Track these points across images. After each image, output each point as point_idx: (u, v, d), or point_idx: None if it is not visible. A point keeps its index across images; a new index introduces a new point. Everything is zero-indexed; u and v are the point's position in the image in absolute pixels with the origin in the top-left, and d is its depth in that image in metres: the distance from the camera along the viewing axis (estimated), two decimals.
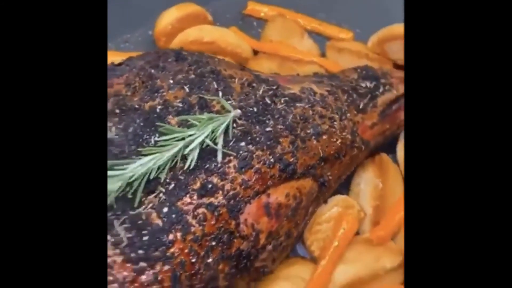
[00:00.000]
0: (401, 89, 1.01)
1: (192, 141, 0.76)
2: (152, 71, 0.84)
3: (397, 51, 1.15)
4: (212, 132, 0.77)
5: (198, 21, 1.15)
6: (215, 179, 0.76)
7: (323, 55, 1.16)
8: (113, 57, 1.05)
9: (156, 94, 0.81)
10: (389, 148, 1.07)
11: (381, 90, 0.98)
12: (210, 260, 0.75)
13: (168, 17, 1.13)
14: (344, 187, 1.02)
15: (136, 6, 1.21)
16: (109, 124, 0.78)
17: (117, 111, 0.80)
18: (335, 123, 0.89)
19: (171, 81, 0.83)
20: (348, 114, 0.93)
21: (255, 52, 1.15)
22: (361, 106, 0.95)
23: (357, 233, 0.97)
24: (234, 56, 1.10)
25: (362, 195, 1.02)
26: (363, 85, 0.97)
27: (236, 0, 1.23)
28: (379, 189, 1.01)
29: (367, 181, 1.02)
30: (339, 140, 0.89)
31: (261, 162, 0.79)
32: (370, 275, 0.92)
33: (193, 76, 0.84)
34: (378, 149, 1.04)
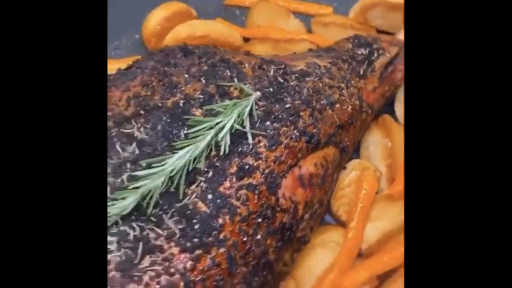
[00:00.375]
0: (392, 51, 1.07)
1: (222, 128, 0.79)
2: (165, 68, 0.86)
3: (378, 18, 1.21)
4: (238, 116, 0.80)
5: (184, 18, 1.17)
6: (250, 160, 0.79)
7: (309, 32, 1.21)
8: (110, 65, 1.06)
9: (175, 90, 0.84)
10: (387, 109, 1.13)
11: (375, 55, 1.04)
12: (259, 236, 0.78)
13: (156, 18, 1.15)
14: (354, 153, 1.07)
15: (118, 12, 1.21)
16: (136, 125, 0.80)
17: (142, 112, 0.81)
18: (343, 91, 0.94)
19: (186, 75, 0.85)
20: (352, 82, 0.98)
21: (245, 40, 1.18)
22: (361, 73, 1.00)
23: (377, 192, 1.03)
24: (227, 46, 1.13)
25: (373, 156, 1.07)
26: (359, 52, 1.02)
27: None
28: (388, 148, 1.07)
29: (375, 143, 1.08)
30: (350, 107, 0.94)
31: (288, 137, 0.82)
32: (397, 228, 0.98)
33: (206, 67, 0.87)
34: (380, 111, 1.10)
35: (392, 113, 1.13)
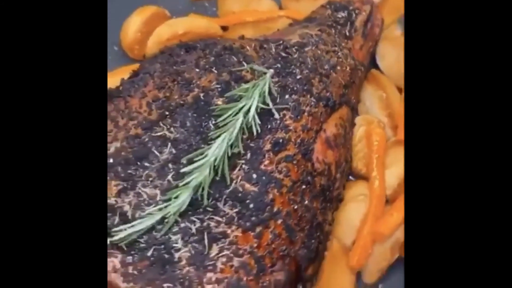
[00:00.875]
0: (367, 9, 1.13)
1: (248, 110, 0.82)
2: (174, 67, 0.88)
3: None
4: (259, 96, 0.83)
5: (160, 19, 1.17)
6: (281, 134, 0.83)
7: (281, 8, 1.25)
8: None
9: (191, 85, 0.86)
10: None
11: (354, 15, 1.09)
12: (306, 202, 0.83)
13: (134, 25, 1.14)
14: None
15: None
16: (166, 127, 0.82)
17: (167, 113, 0.83)
18: (339, 54, 0.99)
19: (197, 69, 0.88)
20: (343, 44, 1.03)
21: (223, 29, 1.21)
22: (347, 34, 1.06)
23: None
24: (209, 36, 1.15)
25: (371, 110, 1.13)
26: (339, 16, 1.08)
27: None
28: (384, 99, 1.14)
29: (370, 97, 1.14)
30: (348, 67, 1.00)
31: (308, 105, 0.87)
32: None
33: (212, 58, 0.89)
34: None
35: (376, 67, 1.20)
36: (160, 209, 0.75)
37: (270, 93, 0.85)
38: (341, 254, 0.98)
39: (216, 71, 0.87)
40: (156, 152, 0.80)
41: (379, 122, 1.10)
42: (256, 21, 1.17)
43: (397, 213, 1.00)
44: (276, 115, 0.84)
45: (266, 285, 0.76)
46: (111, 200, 0.77)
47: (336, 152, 0.90)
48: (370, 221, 1.00)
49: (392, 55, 1.19)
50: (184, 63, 0.89)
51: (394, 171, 1.05)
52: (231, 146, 0.80)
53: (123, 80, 0.92)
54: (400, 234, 0.99)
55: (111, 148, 0.80)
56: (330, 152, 0.88)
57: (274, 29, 1.14)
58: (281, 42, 0.95)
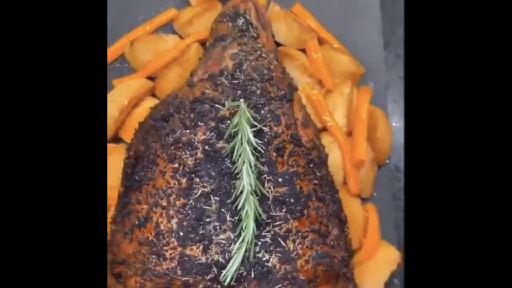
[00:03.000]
0: (251, 4, 1.33)
1: (248, 137, 1.02)
2: (170, 138, 1.04)
3: None
4: (247, 123, 1.04)
5: None
6: (277, 141, 1.05)
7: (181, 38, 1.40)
8: None
9: (193, 144, 1.02)
10: None
11: (247, 16, 1.29)
12: (318, 174, 1.08)
13: None
14: None
15: None
16: (199, 185, 0.99)
17: (193, 175, 1.00)
18: (263, 55, 1.21)
19: (187, 131, 1.04)
20: (258, 45, 1.24)
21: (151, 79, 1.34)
22: (254, 35, 1.26)
23: None
24: (146, 93, 1.29)
25: (296, 79, 1.39)
26: (239, 23, 1.26)
27: None
28: (300, 65, 1.39)
29: (289, 70, 1.38)
30: (275, 61, 1.23)
31: (278, 109, 1.09)
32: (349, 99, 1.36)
33: (191, 115, 1.06)
34: None
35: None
36: (240, 243, 0.96)
37: (251, 116, 1.05)
38: (343, 190, 1.28)
39: (202, 124, 1.05)
40: (206, 207, 0.98)
41: (308, 84, 1.37)
42: (176, 59, 1.32)
43: (360, 139, 1.30)
44: (266, 129, 1.06)
45: (333, 243, 1.03)
46: (202, 260, 0.95)
47: (310, 128, 1.15)
48: (346, 156, 1.30)
49: (282, 28, 1.43)
50: (174, 130, 1.05)
51: (339, 112, 1.35)
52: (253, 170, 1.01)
53: (128, 171, 1.06)
54: (369, 151, 1.31)
55: (174, 226, 0.97)
56: (308, 130, 1.13)
57: (193, 59, 1.31)
58: (224, 72, 1.14)
